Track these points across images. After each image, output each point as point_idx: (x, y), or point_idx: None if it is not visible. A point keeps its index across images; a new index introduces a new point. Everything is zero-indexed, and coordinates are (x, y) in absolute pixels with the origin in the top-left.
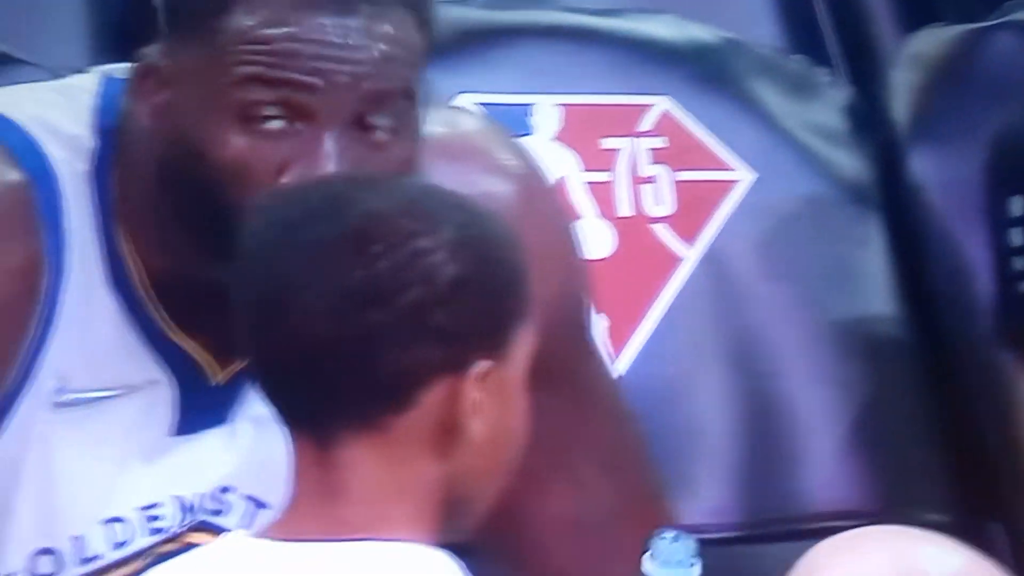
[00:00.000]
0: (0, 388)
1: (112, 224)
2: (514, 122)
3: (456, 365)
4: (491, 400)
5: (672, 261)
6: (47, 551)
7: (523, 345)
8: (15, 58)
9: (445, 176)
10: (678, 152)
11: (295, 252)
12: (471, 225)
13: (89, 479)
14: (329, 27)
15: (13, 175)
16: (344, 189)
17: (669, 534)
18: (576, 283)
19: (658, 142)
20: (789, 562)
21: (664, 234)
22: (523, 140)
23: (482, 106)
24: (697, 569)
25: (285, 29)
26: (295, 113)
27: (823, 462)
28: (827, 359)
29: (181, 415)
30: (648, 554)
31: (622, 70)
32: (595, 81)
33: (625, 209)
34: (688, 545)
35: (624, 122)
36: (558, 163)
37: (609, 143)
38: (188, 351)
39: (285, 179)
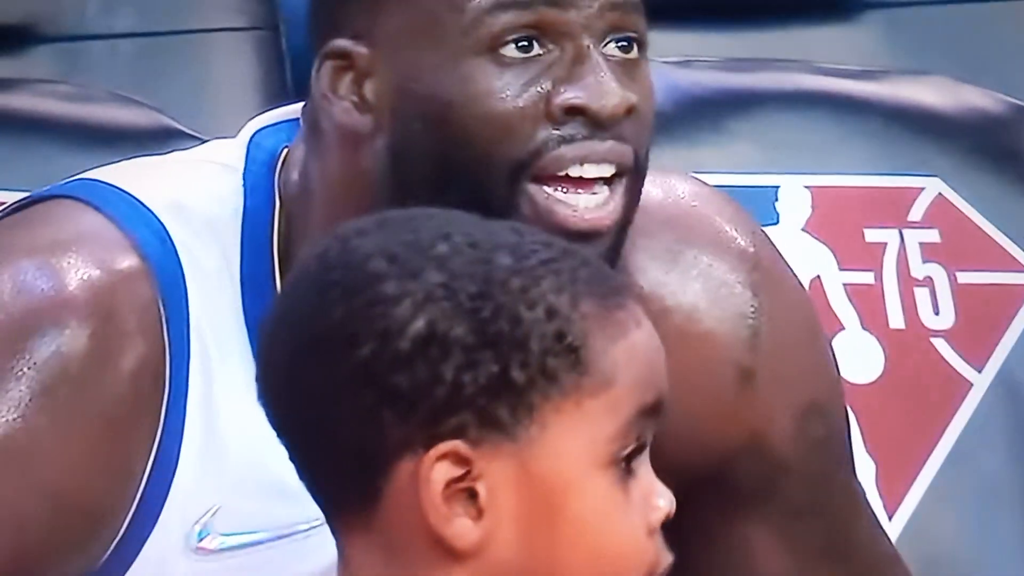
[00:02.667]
0: (121, 522)
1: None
2: (755, 207)
3: (425, 442)
4: (507, 494)
5: (958, 387)
6: None
7: (573, 431)
8: (183, 132)
9: (657, 250)
10: (956, 248)
11: (284, 298)
12: (471, 274)
13: None
14: None
15: (131, 262)
16: (371, 223)
17: None
18: (828, 395)
19: (931, 235)
20: None
21: (946, 352)
22: (768, 230)
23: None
24: None
25: None
26: (550, 34)
27: None
28: None
29: None
30: None
31: (884, 145)
32: (851, 159)
33: (896, 319)
34: None
35: (888, 210)
36: (810, 259)
37: (872, 236)
38: None
39: (559, 100)
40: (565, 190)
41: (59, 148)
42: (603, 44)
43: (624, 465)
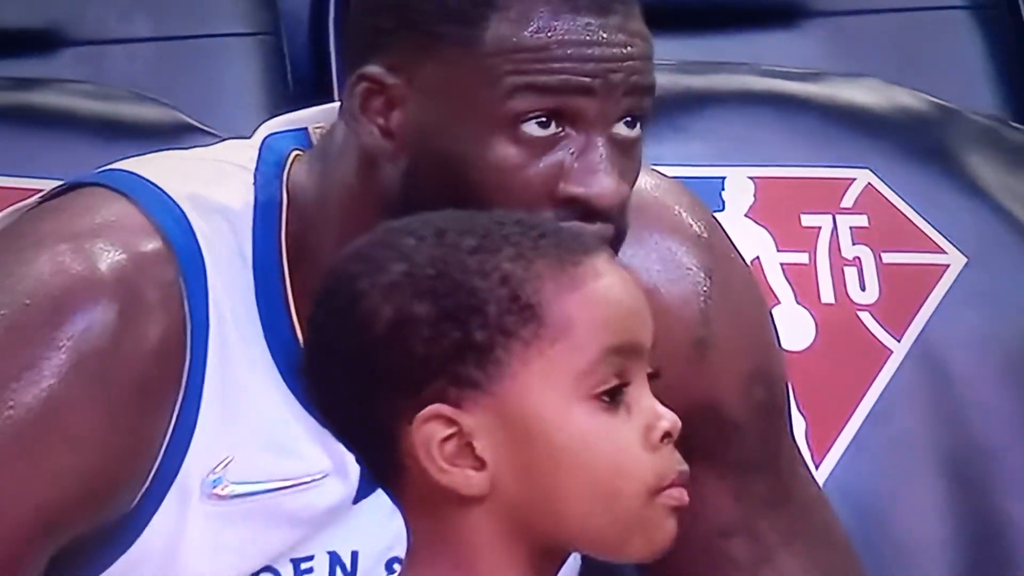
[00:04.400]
0: (148, 473)
1: (278, 300)
2: (705, 197)
3: (414, 410)
4: (499, 441)
5: (879, 354)
6: None
7: (541, 377)
8: (195, 127)
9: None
10: (882, 232)
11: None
12: (431, 260)
13: (249, 565)
14: (594, 27)
15: (155, 245)
16: (365, 236)
17: None
18: (771, 362)
19: (860, 220)
20: None
21: (870, 323)
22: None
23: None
24: None
25: (554, 35)
26: (567, 118)
27: None
28: None
29: (355, 493)
30: None
31: (820, 140)
32: (791, 152)
33: (828, 295)
34: None
35: (823, 198)
36: (751, 241)
37: (808, 221)
38: None
39: (562, 187)
40: None
41: (83, 141)
42: (613, 127)
43: (608, 398)
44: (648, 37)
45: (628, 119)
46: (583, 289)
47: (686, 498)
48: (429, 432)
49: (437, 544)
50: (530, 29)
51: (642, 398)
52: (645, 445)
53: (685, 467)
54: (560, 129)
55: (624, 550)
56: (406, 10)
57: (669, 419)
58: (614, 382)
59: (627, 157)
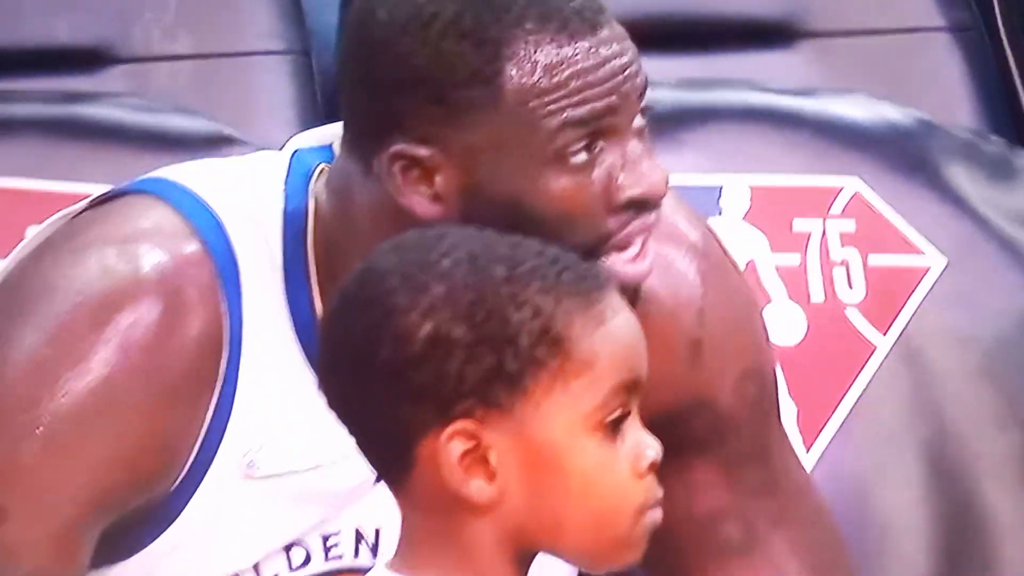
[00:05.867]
0: (188, 457)
1: (305, 299)
2: (704, 204)
3: (440, 424)
4: (513, 459)
5: (865, 349)
6: None
7: (561, 406)
8: (232, 138)
9: None
10: (868, 236)
11: (329, 315)
12: (468, 285)
13: (280, 539)
14: (595, 46)
15: (193, 248)
16: (389, 246)
17: None
18: (762, 361)
19: (848, 225)
20: None
21: (857, 320)
22: (712, 221)
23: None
24: None
25: (568, 68)
26: (605, 135)
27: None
28: None
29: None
30: None
31: (812, 152)
32: (785, 162)
33: (817, 294)
34: None
35: (815, 204)
36: (747, 245)
37: (800, 225)
38: None
39: (619, 195)
40: (618, 251)
41: (129, 150)
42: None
43: (610, 428)
44: (626, 35)
45: (640, 115)
46: (605, 327)
47: (660, 518)
48: (454, 446)
49: (438, 544)
50: (543, 70)
51: (634, 427)
52: (633, 472)
53: (660, 493)
54: (598, 146)
55: (601, 562)
56: (421, 86)
57: (655, 449)
58: (619, 413)
59: (647, 142)
